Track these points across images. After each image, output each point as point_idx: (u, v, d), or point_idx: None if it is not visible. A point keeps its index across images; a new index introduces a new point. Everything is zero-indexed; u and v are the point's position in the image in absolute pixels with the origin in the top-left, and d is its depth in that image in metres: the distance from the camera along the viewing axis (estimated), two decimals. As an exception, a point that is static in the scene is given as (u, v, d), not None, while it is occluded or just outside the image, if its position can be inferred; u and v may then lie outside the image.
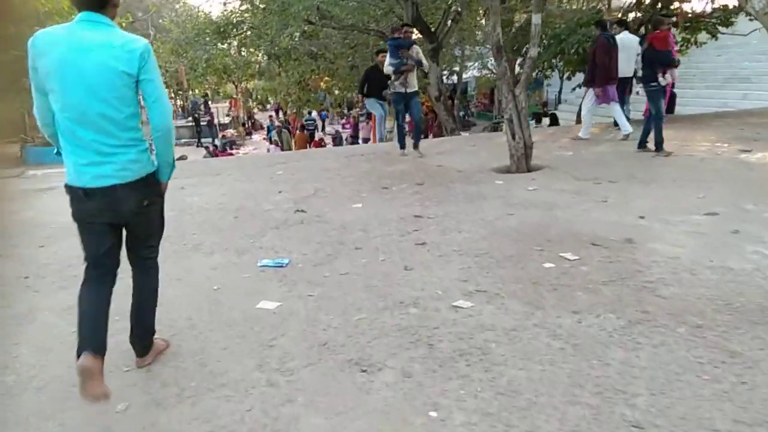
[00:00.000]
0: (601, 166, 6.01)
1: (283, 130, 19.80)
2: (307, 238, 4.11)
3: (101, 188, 2.23)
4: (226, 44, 13.11)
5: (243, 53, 17.10)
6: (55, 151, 2.47)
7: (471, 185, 5.47)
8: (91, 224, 2.32)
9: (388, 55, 7.09)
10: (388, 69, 7.05)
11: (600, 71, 7.75)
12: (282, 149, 16.61)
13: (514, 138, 5.98)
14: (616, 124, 8.38)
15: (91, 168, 2.21)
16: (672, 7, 10.64)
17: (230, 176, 6.59)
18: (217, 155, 19.80)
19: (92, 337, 2.20)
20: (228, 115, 29.68)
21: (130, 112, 2.26)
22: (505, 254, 3.53)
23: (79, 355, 2.10)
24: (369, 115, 28.34)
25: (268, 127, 19.60)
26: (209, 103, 37.46)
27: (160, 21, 33.02)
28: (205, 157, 19.84)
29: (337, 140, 23.17)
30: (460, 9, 13.49)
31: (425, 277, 3.24)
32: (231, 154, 21.44)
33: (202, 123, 28.96)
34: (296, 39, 10.21)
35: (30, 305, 3.14)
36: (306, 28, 10.37)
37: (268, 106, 37.30)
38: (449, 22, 13.76)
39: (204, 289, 3.24)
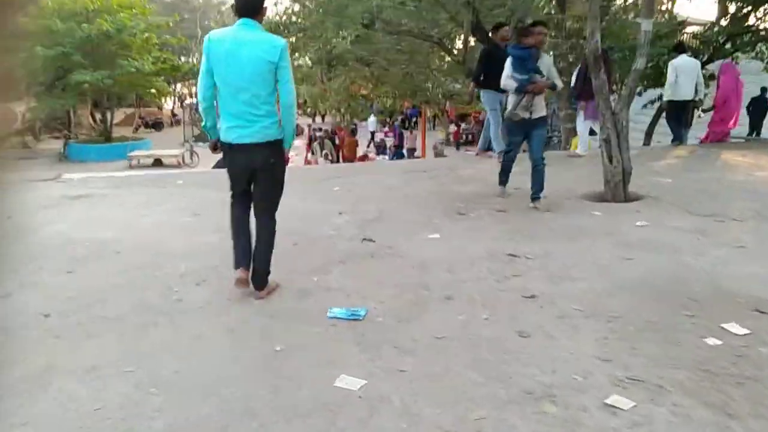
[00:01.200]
0: (714, 198, 5.15)
1: (326, 140, 19.14)
2: (381, 277, 3.39)
3: (241, 144, 3.13)
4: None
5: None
6: (203, 124, 3.34)
7: (564, 216, 4.68)
8: (233, 169, 3.35)
9: (508, 65, 5.12)
10: (508, 84, 5.10)
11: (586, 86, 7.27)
12: (331, 161, 16.05)
13: (611, 161, 5.17)
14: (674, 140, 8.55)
15: (237, 130, 3.12)
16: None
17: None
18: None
19: (244, 257, 3.22)
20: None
21: (269, 91, 3.10)
22: (646, 319, 2.74)
23: (237, 268, 3.16)
24: (405, 122, 27.73)
25: (310, 137, 18.89)
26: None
27: (206, 23, 33.04)
28: None
29: (380, 149, 22.54)
30: (520, 17, 12.68)
31: (550, 349, 2.47)
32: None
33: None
34: (350, 43, 9.58)
35: (47, 361, 2.48)
36: (360, 33, 9.71)
37: (308, 110, 36.99)
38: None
39: (263, 351, 2.54)
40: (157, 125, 33.65)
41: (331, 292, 3.20)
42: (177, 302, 3.11)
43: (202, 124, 3.39)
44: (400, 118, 25.13)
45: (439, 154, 14.36)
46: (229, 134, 3.14)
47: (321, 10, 10.24)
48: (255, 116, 3.08)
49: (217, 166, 16.80)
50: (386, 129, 28.08)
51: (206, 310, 3.02)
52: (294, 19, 11.08)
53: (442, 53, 14.44)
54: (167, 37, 25.75)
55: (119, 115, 30.81)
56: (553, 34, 13.66)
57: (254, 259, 3.22)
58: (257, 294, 3.14)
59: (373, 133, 24.19)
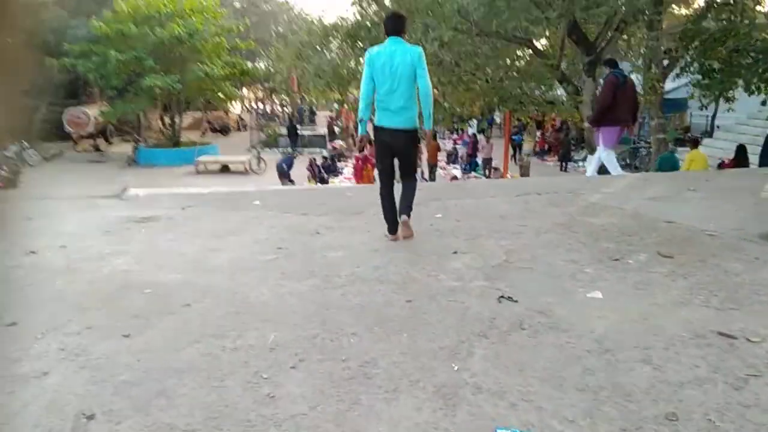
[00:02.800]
0: None
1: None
2: (550, 369, 2.37)
3: (391, 129, 4.28)
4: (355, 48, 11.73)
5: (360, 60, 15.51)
6: (359, 118, 4.42)
7: (761, 267, 3.51)
8: (383, 148, 4.39)
9: None
10: None
11: (598, 111, 7.77)
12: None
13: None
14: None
15: (390, 118, 4.27)
16: None
17: (375, 215, 4.99)
18: (321, 177, 18.45)
19: (393, 223, 4.33)
20: (336, 125, 28.76)
21: (412, 89, 4.25)
22: None
23: (390, 233, 4.33)
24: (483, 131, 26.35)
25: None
26: (315, 110, 37.04)
27: (277, 28, 32.87)
28: (310, 179, 18.54)
29: (452, 157, 21.45)
30: (625, 18, 11.37)
31: None
32: (338, 172, 20.18)
33: (305, 132, 28.22)
34: (440, 46, 8.62)
35: None
36: (451, 35, 8.72)
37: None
38: (610, 32, 11.65)
39: None
40: (223, 129, 33.74)
41: (483, 395, 2.20)
42: (268, 401, 2.18)
43: (358, 117, 4.42)
44: (475, 124, 23.88)
45: (525, 168, 13.19)
46: (383, 121, 4.30)
47: (407, 8, 9.32)
48: (402, 109, 4.24)
49: (281, 174, 16.16)
50: (455, 136, 26.95)
51: (309, 419, 2.08)
52: (374, 20, 10.19)
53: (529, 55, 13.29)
54: (237, 41, 25.55)
55: (187, 119, 30.97)
56: (646, 35, 12.29)
57: (401, 208, 4.34)
58: (404, 218, 4.30)
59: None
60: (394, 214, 4.35)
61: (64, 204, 5.53)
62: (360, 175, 16.30)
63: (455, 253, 3.93)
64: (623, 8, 10.94)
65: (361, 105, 4.34)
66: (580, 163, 21.64)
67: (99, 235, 4.46)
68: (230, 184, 20.05)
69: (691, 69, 11.45)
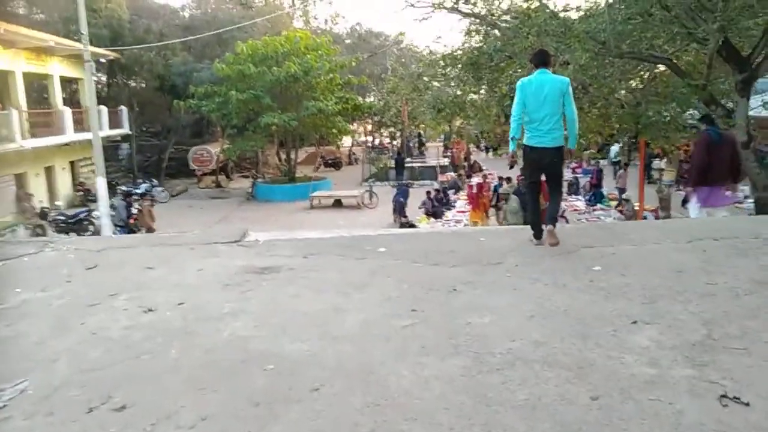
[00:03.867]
0: None
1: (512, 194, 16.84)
2: None
3: (540, 148, 4.94)
4: (476, 78, 11.20)
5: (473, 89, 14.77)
6: (510, 137, 5.09)
7: None
8: (533, 164, 5.10)
9: None
10: None
11: (694, 172, 7.66)
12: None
13: None
14: None
15: (539, 138, 4.93)
16: None
17: (518, 267, 4.30)
18: (435, 211, 17.87)
19: (538, 228, 4.98)
20: (446, 156, 28.28)
21: (560, 113, 4.92)
22: None
23: (536, 238, 4.97)
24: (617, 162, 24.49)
25: (494, 186, 16.69)
26: (424, 142, 36.84)
27: (385, 63, 33.27)
28: (428, 213, 17.93)
29: (573, 187, 20.16)
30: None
31: None
32: (451, 205, 19.54)
33: (414, 164, 27.92)
34: (574, 70, 7.83)
35: None
36: (588, 57, 7.91)
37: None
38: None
39: None
40: (336, 164, 34.41)
41: None
42: None
43: (510, 135, 5.09)
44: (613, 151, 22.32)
45: (665, 200, 11.83)
46: (533, 141, 4.97)
47: (533, 33, 8.64)
48: (550, 130, 4.91)
49: (403, 227, 15.60)
50: (574, 164, 25.47)
51: None
52: (495, 45, 9.58)
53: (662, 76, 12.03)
54: (350, 77, 25.98)
55: (301, 153, 31.93)
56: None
57: (547, 218, 5.07)
58: (549, 228, 4.96)
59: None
60: (539, 219, 5.07)
61: (184, 250, 5.33)
62: (476, 204, 16.07)
63: (635, 323, 3.14)
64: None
65: (513, 125, 5.10)
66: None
67: (218, 289, 4.12)
68: (344, 218, 20.13)
69: None
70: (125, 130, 26.71)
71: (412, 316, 3.41)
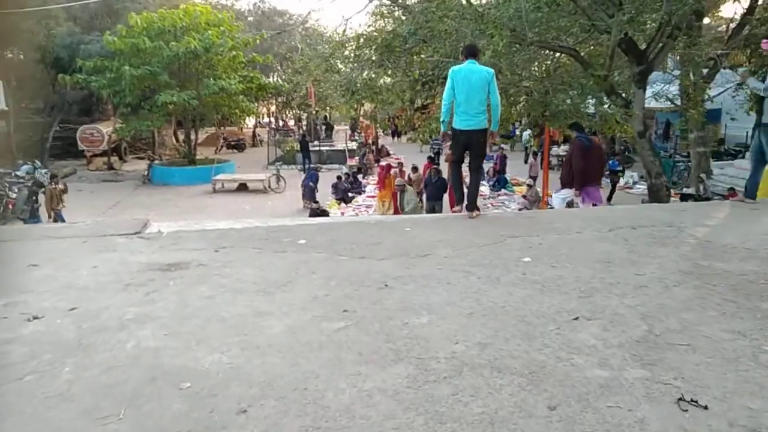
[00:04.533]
0: None
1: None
2: None
3: (467, 130, 5.76)
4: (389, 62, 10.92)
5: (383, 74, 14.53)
6: (441, 120, 6.03)
7: None
8: (459, 144, 5.93)
9: None
10: None
11: (577, 176, 8.41)
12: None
13: None
14: None
15: (467, 122, 5.73)
16: None
17: (448, 259, 4.12)
18: (345, 197, 17.64)
19: (460, 197, 5.97)
20: (355, 140, 27.98)
21: (485, 100, 5.71)
22: None
23: (458, 205, 5.95)
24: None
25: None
26: (332, 125, 36.32)
27: (291, 42, 32.32)
28: (338, 198, 17.55)
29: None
30: (678, 25, 10.47)
31: None
32: (361, 190, 19.31)
33: (323, 148, 27.45)
34: (491, 55, 7.77)
35: None
36: (505, 42, 7.87)
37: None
38: (662, 39, 10.74)
39: None
40: (239, 146, 33.12)
41: None
42: None
43: (441, 118, 6.03)
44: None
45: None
46: (461, 124, 5.81)
47: (451, 16, 8.48)
48: (476, 113, 5.76)
49: (313, 213, 15.04)
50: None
51: None
52: (410, 28, 9.35)
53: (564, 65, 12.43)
54: (254, 55, 24.92)
55: (201, 134, 30.42)
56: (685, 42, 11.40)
57: (468, 198, 5.91)
58: (470, 215, 5.67)
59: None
60: (462, 191, 6.11)
61: (75, 244, 4.69)
62: (383, 184, 16.34)
63: (576, 319, 3.04)
64: (678, 13, 10.06)
65: (443, 109, 5.94)
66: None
67: (118, 290, 3.61)
68: (251, 203, 19.32)
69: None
70: (1, 105, 24.04)
71: (344, 317, 3.12)
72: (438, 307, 3.23)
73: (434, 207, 14.31)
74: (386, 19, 13.69)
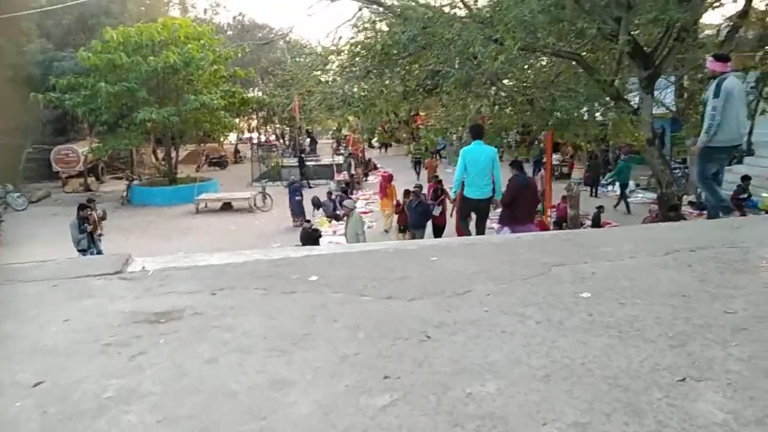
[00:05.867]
0: None
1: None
2: None
3: (476, 199, 8.12)
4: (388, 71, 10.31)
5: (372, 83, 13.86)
6: (453, 189, 8.77)
7: None
8: (469, 210, 8.50)
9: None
10: None
11: (508, 212, 9.11)
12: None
13: None
14: None
15: (476, 192, 8.03)
16: None
17: (492, 296, 3.47)
18: (336, 215, 16.85)
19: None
20: (341, 154, 27.33)
21: (490, 174, 7.94)
22: None
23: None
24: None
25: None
26: (316, 139, 35.69)
27: (274, 54, 31.66)
28: (329, 216, 16.55)
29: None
30: (686, 27, 10.04)
31: None
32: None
33: (308, 163, 26.79)
34: (501, 62, 7.23)
35: None
36: (520, 47, 7.31)
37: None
38: (669, 42, 10.29)
39: None
40: (221, 163, 32.28)
41: None
42: None
43: (453, 189, 8.69)
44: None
45: (574, 199, 11.66)
46: (472, 194, 7.90)
47: (453, 25, 7.93)
48: (484, 186, 7.75)
49: (305, 233, 14.03)
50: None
51: None
52: (410, 34, 8.76)
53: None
54: (236, 69, 24.21)
55: (181, 152, 29.57)
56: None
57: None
58: None
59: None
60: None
61: (44, 289, 3.96)
62: (384, 192, 17.06)
63: (683, 380, 2.40)
64: (687, 15, 9.62)
65: (455, 182, 8.18)
66: (609, 188, 20.32)
67: (96, 353, 2.90)
68: (236, 223, 18.53)
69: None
70: (-31, 127, 23.02)
71: (387, 387, 2.45)
72: (503, 368, 2.58)
73: (415, 235, 13.07)
74: (372, 29, 13.10)
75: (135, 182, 24.38)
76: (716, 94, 6.34)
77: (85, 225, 13.07)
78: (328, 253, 4.65)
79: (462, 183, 7.78)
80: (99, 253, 13.36)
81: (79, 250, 12.95)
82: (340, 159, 25.77)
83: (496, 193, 7.94)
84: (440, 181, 14.55)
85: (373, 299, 3.54)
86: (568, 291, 3.54)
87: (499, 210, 9.24)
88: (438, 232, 13.13)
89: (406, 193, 14.32)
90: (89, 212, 13.26)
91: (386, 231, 16.44)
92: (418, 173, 23.39)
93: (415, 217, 13.35)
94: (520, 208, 8.88)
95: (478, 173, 7.53)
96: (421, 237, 12.65)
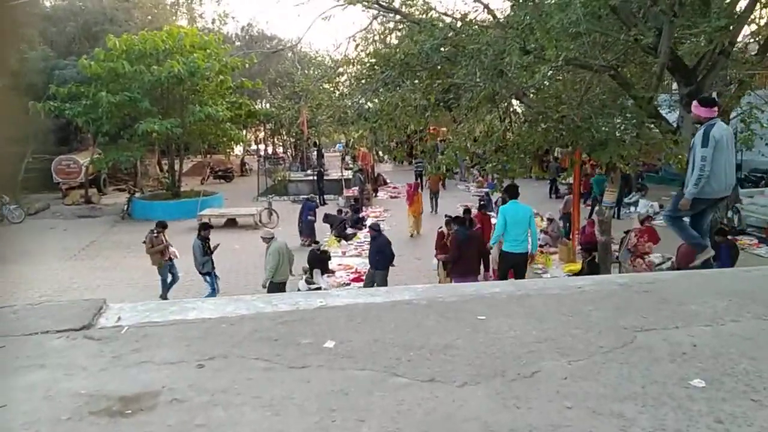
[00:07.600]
0: None
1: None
2: None
3: (515, 253, 8.96)
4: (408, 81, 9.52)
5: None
6: (494, 242, 9.65)
7: None
8: (507, 264, 9.11)
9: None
10: None
11: (454, 267, 9.85)
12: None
13: None
14: None
15: (515, 246, 8.99)
16: None
17: (571, 381, 2.59)
18: (345, 234, 15.91)
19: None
20: (350, 168, 26.50)
21: (527, 230, 9.19)
22: None
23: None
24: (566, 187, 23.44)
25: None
26: (323, 153, 34.96)
27: (281, 66, 31.04)
28: (338, 236, 15.55)
29: (486, 206, 19.14)
30: (732, 40, 9.21)
31: None
32: (362, 224, 17.82)
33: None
34: (544, 75, 6.41)
35: None
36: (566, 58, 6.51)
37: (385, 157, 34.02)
38: (713, 56, 9.44)
39: None
40: (226, 176, 31.50)
41: None
42: None
43: (493, 240, 9.62)
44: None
45: (605, 224, 10.79)
46: (511, 248, 8.89)
47: (486, 32, 7.14)
48: (522, 241, 8.81)
49: (313, 255, 12.74)
50: (480, 178, 24.70)
51: None
52: (434, 43, 7.97)
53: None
54: (243, 80, 23.51)
55: (187, 164, 28.87)
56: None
57: None
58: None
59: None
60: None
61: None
62: (412, 200, 17.33)
63: None
64: (731, 27, 8.82)
65: (494, 237, 9.39)
66: (632, 209, 19.42)
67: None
68: (240, 241, 17.65)
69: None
70: (-33, 136, 22.31)
71: None
72: None
73: (374, 282, 10.73)
74: (383, 42, 12.33)
75: (137, 195, 23.63)
76: (704, 143, 5.73)
77: (208, 246, 11.84)
78: (348, 303, 3.76)
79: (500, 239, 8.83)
80: (174, 280, 12.47)
81: (203, 273, 11.87)
82: (348, 174, 24.93)
83: (532, 247, 9.00)
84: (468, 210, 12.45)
85: (410, 382, 2.66)
86: (672, 375, 2.65)
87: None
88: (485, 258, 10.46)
89: (448, 221, 11.28)
90: (208, 232, 12.17)
91: (411, 235, 17.02)
92: (421, 182, 22.12)
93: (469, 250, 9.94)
94: (465, 261, 9.47)
95: (517, 230, 8.52)
96: (382, 282, 10.65)
